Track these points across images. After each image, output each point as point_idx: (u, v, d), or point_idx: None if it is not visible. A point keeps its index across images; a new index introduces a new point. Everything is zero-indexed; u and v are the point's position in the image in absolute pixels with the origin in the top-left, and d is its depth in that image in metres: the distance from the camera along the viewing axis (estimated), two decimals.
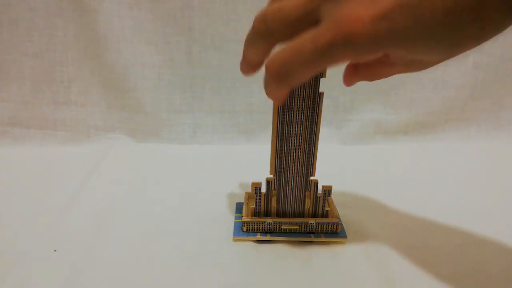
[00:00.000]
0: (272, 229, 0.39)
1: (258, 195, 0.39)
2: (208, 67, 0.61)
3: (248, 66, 0.30)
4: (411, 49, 0.23)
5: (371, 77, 0.33)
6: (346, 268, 0.35)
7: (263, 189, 0.38)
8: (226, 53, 0.60)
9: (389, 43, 0.22)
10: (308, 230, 0.39)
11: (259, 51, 0.28)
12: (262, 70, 0.28)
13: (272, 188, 0.38)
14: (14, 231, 0.39)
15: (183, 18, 0.58)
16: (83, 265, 0.35)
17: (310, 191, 0.38)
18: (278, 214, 0.40)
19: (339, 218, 0.40)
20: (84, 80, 0.61)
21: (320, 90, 0.35)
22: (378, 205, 0.45)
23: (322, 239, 0.38)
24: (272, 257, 0.37)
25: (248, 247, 0.38)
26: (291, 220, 0.39)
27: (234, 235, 0.39)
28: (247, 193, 0.43)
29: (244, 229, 0.39)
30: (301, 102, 0.35)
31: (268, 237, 0.38)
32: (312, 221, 0.38)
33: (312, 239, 0.38)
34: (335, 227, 0.39)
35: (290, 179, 0.38)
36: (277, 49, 0.26)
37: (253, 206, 0.39)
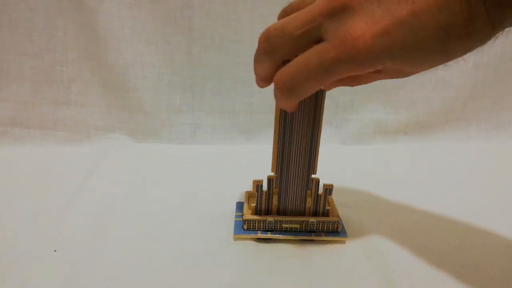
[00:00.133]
0: (273, 227, 0.39)
1: (259, 193, 0.39)
2: (208, 67, 0.61)
3: (261, 81, 0.32)
4: (407, 61, 0.25)
5: (353, 84, 0.35)
6: (346, 268, 0.35)
7: (265, 187, 0.38)
8: (226, 53, 0.60)
9: (389, 57, 0.24)
10: (308, 229, 0.39)
11: (266, 68, 0.30)
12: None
13: (274, 186, 0.38)
14: (14, 231, 0.39)
15: (183, 18, 0.58)
16: (83, 265, 0.35)
17: (311, 190, 0.38)
18: (279, 212, 0.40)
19: (339, 217, 0.40)
20: (84, 80, 0.61)
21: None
22: (378, 205, 0.45)
23: (323, 237, 0.38)
24: (272, 257, 0.37)
25: (248, 247, 0.38)
26: (292, 218, 0.39)
27: (234, 233, 0.39)
28: (247, 192, 0.43)
29: (245, 227, 0.39)
30: (303, 99, 0.35)
31: (268, 235, 0.38)
32: (313, 219, 0.38)
33: (313, 237, 0.38)
34: (335, 226, 0.39)
35: (292, 177, 0.38)
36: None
37: (254, 205, 0.39)
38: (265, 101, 0.62)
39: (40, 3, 0.57)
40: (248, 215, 0.39)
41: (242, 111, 0.63)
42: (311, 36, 0.26)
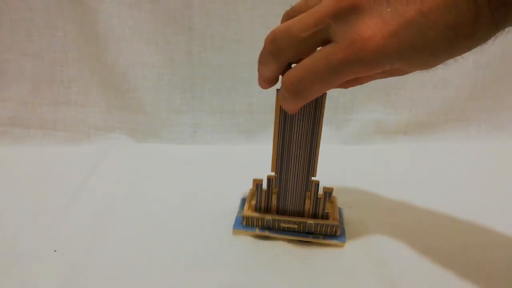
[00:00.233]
0: (271, 226, 0.39)
1: (259, 192, 0.39)
2: (208, 67, 0.61)
3: (264, 82, 0.32)
4: (414, 61, 0.25)
5: (350, 85, 0.35)
6: (346, 268, 0.35)
7: (265, 186, 0.38)
8: (226, 53, 0.60)
9: (397, 58, 0.24)
10: (306, 230, 0.39)
11: (271, 70, 0.30)
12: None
13: (273, 186, 0.38)
14: (14, 231, 0.39)
15: (183, 18, 0.58)
16: (83, 265, 0.35)
17: (310, 192, 0.38)
18: (278, 212, 0.40)
19: (340, 221, 0.40)
20: (84, 80, 0.61)
21: None
22: (378, 205, 0.45)
23: (320, 240, 0.38)
24: (272, 257, 0.37)
25: (248, 247, 0.38)
26: (290, 218, 0.39)
27: (234, 228, 0.39)
28: (251, 189, 0.43)
29: (244, 223, 0.39)
30: None
31: (266, 233, 0.39)
32: (311, 221, 0.38)
33: (310, 239, 0.38)
34: (334, 229, 0.39)
35: (291, 178, 0.38)
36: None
37: (254, 203, 0.39)
38: (265, 101, 0.62)
39: (40, 3, 0.57)
40: (247, 212, 0.39)
41: (242, 111, 0.63)
42: (318, 38, 0.26)
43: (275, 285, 0.33)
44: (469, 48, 0.24)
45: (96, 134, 0.62)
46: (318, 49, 0.27)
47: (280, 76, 0.30)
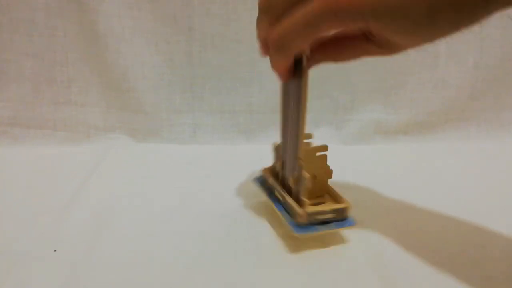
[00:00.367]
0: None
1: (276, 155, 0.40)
2: (208, 67, 0.61)
3: (262, 46, 0.33)
4: (391, 25, 0.25)
5: (341, 57, 0.35)
6: (345, 268, 0.35)
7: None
8: (226, 53, 0.60)
9: (372, 16, 0.25)
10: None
11: (264, 29, 0.31)
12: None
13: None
14: (14, 231, 0.39)
15: (183, 18, 0.58)
16: (83, 265, 0.35)
17: (294, 174, 0.38)
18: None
19: (309, 213, 0.37)
20: (84, 80, 0.61)
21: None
22: (378, 205, 0.45)
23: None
24: (272, 257, 0.37)
25: (248, 247, 0.38)
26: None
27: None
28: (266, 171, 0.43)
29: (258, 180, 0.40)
30: (291, 80, 0.36)
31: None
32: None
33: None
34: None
35: (287, 154, 0.38)
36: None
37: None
38: (265, 101, 0.62)
39: (40, 3, 0.57)
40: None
41: (242, 111, 0.63)
42: None
43: (275, 285, 0.33)
44: (455, 23, 0.24)
45: (96, 134, 0.62)
46: None
47: None
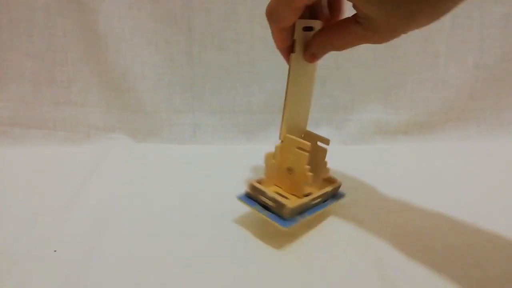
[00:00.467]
0: (307, 208, 0.39)
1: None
2: (208, 67, 0.61)
3: (281, 53, 0.38)
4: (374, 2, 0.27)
5: (335, 41, 0.35)
6: (345, 268, 0.35)
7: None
8: (226, 53, 0.60)
9: None
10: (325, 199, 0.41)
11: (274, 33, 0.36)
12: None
13: None
14: (14, 231, 0.39)
15: (183, 18, 0.58)
16: (83, 265, 0.35)
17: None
18: None
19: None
20: (84, 80, 0.61)
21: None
22: (378, 205, 0.45)
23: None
24: (272, 257, 0.37)
25: (248, 247, 0.38)
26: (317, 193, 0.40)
27: (284, 227, 0.36)
28: (254, 182, 0.39)
29: (288, 216, 0.36)
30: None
31: (307, 218, 0.39)
32: (329, 188, 0.40)
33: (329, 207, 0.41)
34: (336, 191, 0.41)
35: None
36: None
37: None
38: (265, 101, 0.62)
39: (40, 3, 0.57)
40: (291, 202, 0.37)
41: (242, 111, 0.63)
42: None
43: (275, 285, 0.33)
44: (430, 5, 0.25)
45: (96, 134, 0.62)
46: None
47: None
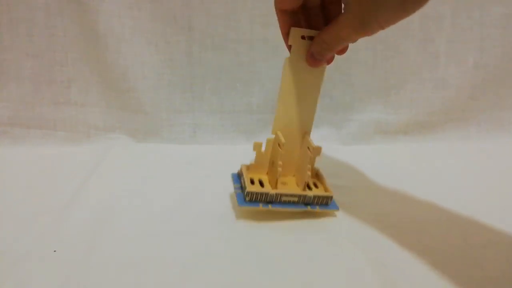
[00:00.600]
0: (274, 200, 0.41)
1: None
2: (208, 67, 0.61)
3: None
4: None
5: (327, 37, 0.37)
6: (345, 268, 0.35)
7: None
8: (226, 53, 0.60)
9: None
10: (305, 202, 0.42)
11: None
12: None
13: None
14: (14, 231, 0.39)
15: (183, 18, 0.58)
16: (83, 265, 0.35)
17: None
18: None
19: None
20: (84, 80, 0.61)
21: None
22: (378, 205, 0.45)
23: (317, 210, 0.42)
24: (272, 258, 0.37)
25: (248, 247, 0.38)
26: (292, 192, 0.42)
27: (239, 204, 0.41)
28: (243, 165, 0.45)
29: (247, 199, 0.41)
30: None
31: (269, 208, 0.40)
32: (310, 193, 0.41)
33: (309, 210, 0.41)
34: (327, 200, 0.42)
35: None
36: None
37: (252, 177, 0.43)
38: (265, 101, 0.62)
39: (40, 3, 0.57)
40: (251, 187, 0.41)
41: (242, 111, 0.63)
42: None
43: (275, 285, 0.33)
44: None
45: (96, 134, 0.62)
46: None
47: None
